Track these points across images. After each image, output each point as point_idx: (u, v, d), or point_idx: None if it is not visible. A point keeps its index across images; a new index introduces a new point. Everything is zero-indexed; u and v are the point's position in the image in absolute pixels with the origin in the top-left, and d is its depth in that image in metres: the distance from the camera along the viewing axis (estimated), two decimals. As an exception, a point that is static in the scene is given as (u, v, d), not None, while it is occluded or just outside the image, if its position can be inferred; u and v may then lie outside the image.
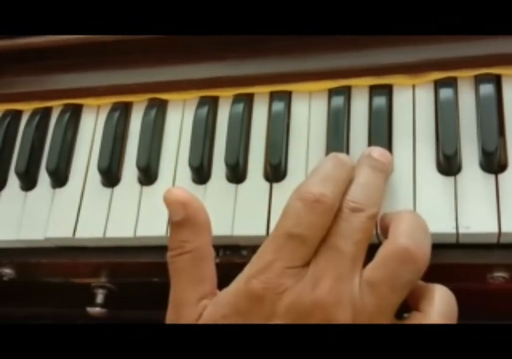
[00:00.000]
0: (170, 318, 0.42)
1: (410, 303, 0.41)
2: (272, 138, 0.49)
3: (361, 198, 0.41)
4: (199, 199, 0.42)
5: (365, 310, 0.38)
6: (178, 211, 0.41)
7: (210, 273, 0.42)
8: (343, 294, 0.38)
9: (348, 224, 0.40)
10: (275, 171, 0.48)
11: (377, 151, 0.44)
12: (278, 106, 0.51)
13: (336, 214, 0.41)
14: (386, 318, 0.39)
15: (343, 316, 0.38)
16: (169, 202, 0.42)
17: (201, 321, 0.40)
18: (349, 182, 0.42)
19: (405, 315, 0.46)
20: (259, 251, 0.41)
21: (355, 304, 0.38)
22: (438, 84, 0.48)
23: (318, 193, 0.40)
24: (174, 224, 0.42)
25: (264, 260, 0.40)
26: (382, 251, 0.40)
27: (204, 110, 0.52)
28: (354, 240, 0.40)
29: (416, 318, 0.40)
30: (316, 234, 0.40)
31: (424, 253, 0.39)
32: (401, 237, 0.40)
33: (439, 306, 0.40)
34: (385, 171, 0.44)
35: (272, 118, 0.50)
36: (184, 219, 0.41)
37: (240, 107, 0.51)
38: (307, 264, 0.40)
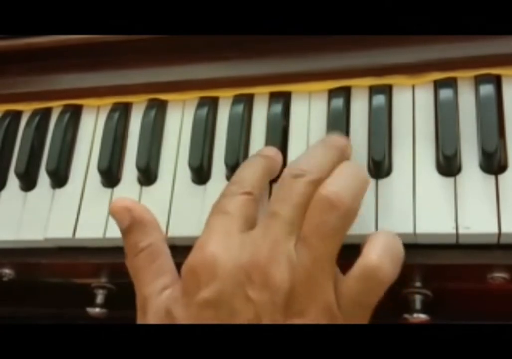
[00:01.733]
0: (139, 317, 0.43)
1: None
2: (270, 139, 0.49)
3: (302, 164, 0.42)
4: (143, 204, 0.45)
5: (300, 264, 0.39)
6: (124, 217, 0.44)
7: (169, 265, 0.44)
8: (279, 253, 0.40)
9: (287, 189, 0.41)
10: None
11: (335, 135, 0.46)
12: (277, 106, 0.51)
13: (279, 181, 0.43)
14: (323, 269, 0.40)
15: (279, 273, 0.39)
16: (114, 211, 0.45)
17: (166, 307, 0.41)
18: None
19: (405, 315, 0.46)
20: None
21: (291, 261, 0.39)
22: (438, 85, 0.48)
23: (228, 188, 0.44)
24: (124, 231, 0.44)
25: (200, 239, 0.42)
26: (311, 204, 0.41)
27: (204, 110, 0.52)
28: (291, 204, 0.41)
29: (357, 262, 0.40)
30: (239, 210, 0.43)
31: (345, 198, 0.40)
32: (323, 186, 0.41)
33: (377, 247, 0.40)
34: (337, 148, 0.44)
35: (270, 119, 0.50)
36: (131, 222, 0.44)
37: (240, 107, 0.51)
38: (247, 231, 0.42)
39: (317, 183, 0.41)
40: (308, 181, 0.41)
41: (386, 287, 0.40)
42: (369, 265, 0.39)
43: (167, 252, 0.44)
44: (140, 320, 0.43)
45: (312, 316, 0.39)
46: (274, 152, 0.48)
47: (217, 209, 0.43)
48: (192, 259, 0.41)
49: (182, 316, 0.40)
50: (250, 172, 0.45)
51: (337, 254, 0.40)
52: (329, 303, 0.39)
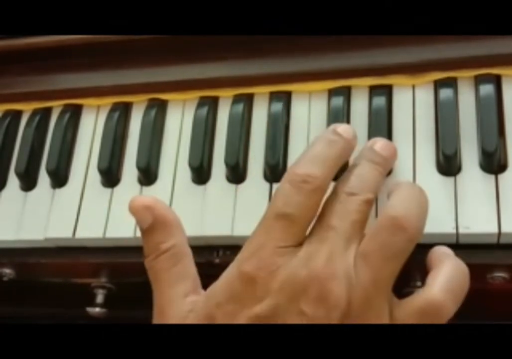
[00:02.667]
0: (156, 319, 0.41)
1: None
2: (270, 139, 0.49)
3: (356, 184, 0.41)
4: (164, 202, 0.43)
5: (359, 283, 0.38)
6: (145, 216, 0.42)
7: (191, 270, 0.42)
8: (337, 267, 0.38)
9: (343, 206, 0.40)
10: (273, 172, 0.48)
11: (379, 144, 0.44)
12: (277, 106, 0.51)
13: (331, 197, 0.41)
14: (382, 292, 0.39)
15: (338, 289, 0.38)
16: (134, 210, 0.42)
17: (192, 316, 0.40)
18: (345, 156, 0.43)
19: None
20: (251, 236, 0.41)
21: (349, 277, 0.38)
22: (438, 84, 0.48)
23: (304, 173, 0.40)
24: (145, 231, 0.42)
25: (256, 242, 0.40)
26: (375, 223, 0.40)
27: (204, 110, 0.52)
28: (349, 220, 0.40)
29: (418, 291, 0.39)
30: (305, 213, 0.40)
31: (414, 221, 0.39)
32: (392, 207, 0.40)
33: (443, 280, 0.39)
34: (383, 165, 0.43)
35: (270, 119, 0.50)
36: (153, 222, 0.42)
37: (240, 107, 0.51)
38: (300, 244, 0.40)
39: (371, 202, 0.41)
40: (364, 199, 0.40)
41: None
42: (433, 302, 0.38)
43: (189, 255, 0.42)
44: (157, 322, 0.41)
45: None
46: (351, 134, 0.44)
47: (282, 210, 0.40)
48: (249, 264, 0.39)
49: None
50: (321, 161, 0.41)
51: (397, 275, 0.39)
52: None
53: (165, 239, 0.42)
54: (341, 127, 0.44)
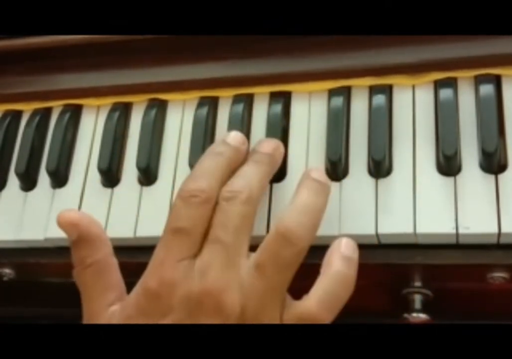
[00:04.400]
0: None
1: None
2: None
3: (234, 185, 0.43)
4: (89, 215, 0.45)
5: (254, 292, 0.40)
6: (70, 231, 0.44)
7: (115, 281, 0.44)
8: (228, 279, 0.41)
9: (224, 214, 0.42)
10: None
11: (261, 143, 0.47)
12: (276, 107, 0.51)
13: (216, 208, 0.43)
14: (276, 299, 0.41)
15: (231, 300, 0.40)
16: (61, 225, 0.44)
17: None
18: (234, 164, 0.45)
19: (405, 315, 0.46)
20: (154, 252, 0.43)
21: (243, 287, 0.40)
22: (438, 85, 0.48)
23: (193, 189, 0.43)
24: (72, 243, 0.44)
25: (157, 258, 0.42)
26: (268, 234, 0.42)
27: (204, 110, 0.52)
28: (232, 229, 0.42)
29: (303, 298, 0.41)
30: (197, 225, 0.42)
31: (303, 235, 0.41)
32: (284, 220, 0.42)
33: (321, 292, 0.41)
34: (265, 161, 0.45)
35: (270, 119, 0.50)
36: (77, 237, 0.44)
37: (240, 107, 0.51)
38: (196, 256, 0.42)
39: (251, 199, 0.42)
40: (241, 201, 0.42)
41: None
42: (309, 313, 0.41)
43: (115, 266, 0.44)
44: None
45: None
46: (239, 141, 0.47)
47: (175, 224, 0.43)
48: (152, 280, 0.42)
49: None
50: (207, 174, 0.44)
51: (289, 283, 0.41)
52: None
53: (89, 253, 0.44)
54: (230, 136, 0.47)
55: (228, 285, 0.40)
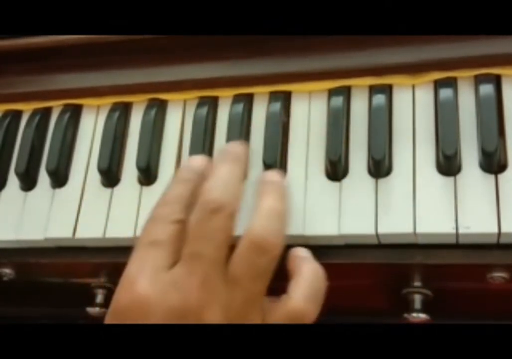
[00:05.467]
0: None
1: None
2: (268, 139, 0.49)
3: (217, 195, 0.42)
4: None
5: (233, 305, 0.40)
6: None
7: None
8: (210, 295, 0.40)
9: (207, 227, 0.41)
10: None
11: (226, 145, 0.48)
12: (276, 106, 0.51)
13: (195, 214, 0.42)
14: (256, 306, 0.41)
15: (213, 317, 0.40)
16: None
17: None
18: (198, 187, 0.44)
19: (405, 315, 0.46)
20: (125, 269, 0.42)
21: (222, 299, 0.40)
22: (438, 84, 0.48)
23: (166, 212, 0.43)
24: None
25: (129, 273, 0.42)
26: (240, 244, 0.41)
27: (204, 110, 0.52)
28: (214, 243, 0.41)
29: (283, 302, 0.41)
30: (172, 236, 0.42)
31: (274, 241, 0.41)
32: (253, 229, 0.41)
33: (303, 288, 0.42)
34: (240, 163, 0.45)
35: (269, 119, 0.50)
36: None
37: (240, 107, 0.51)
38: (172, 269, 0.41)
39: (235, 212, 0.42)
40: (227, 215, 0.41)
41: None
42: (296, 311, 0.41)
43: None
44: None
45: None
46: (202, 165, 0.46)
47: (149, 238, 0.43)
48: (123, 298, 0.41)
49: None
50: (182, 189, 0.44)
51: (266, 290, 0.41)
52: None
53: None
54: (194, 162, 0.46)
55: (210, 300, 0.40)
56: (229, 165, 0.44)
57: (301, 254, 0.44)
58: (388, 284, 0.48)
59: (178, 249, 0.42)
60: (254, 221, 0.42)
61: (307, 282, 0.42)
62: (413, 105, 0.49)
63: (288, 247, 0.47)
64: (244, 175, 0.45)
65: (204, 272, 0.40)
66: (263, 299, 0.42)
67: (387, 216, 0.45)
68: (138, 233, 0.49)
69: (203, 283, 0.40)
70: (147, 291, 0.40)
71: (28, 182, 0.54)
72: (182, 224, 0.43)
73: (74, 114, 0.56)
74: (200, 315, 0.40)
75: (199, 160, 0.46)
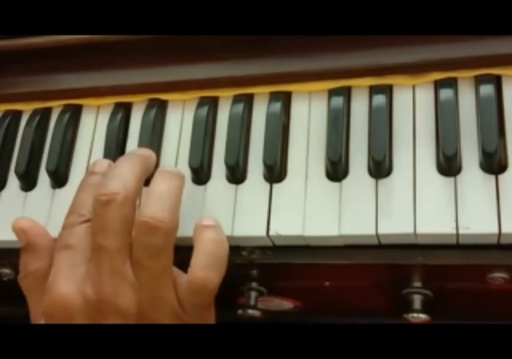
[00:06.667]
0: None
1: None
2: (268, 139, 0.49)
3: (109, 188, 0.44)
4: (42, 227, 0.48)
5: (142, 286, 0.42)
6: (20, 237, 0.47)
7: None
8: (119, 283, 0.42)
9: (102, 219, 0.43)
10: (271, 172, 0.48)
11: (139, 150, 0.50)
12: (276, 106, 0.51)
13: (93, 211, 0.44)
14: (165, 283, 0.43)
15: (126, 302, 0.42)
16: (13, 230, 0.48)
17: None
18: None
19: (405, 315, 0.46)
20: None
21: (132, 285, 0.42)
22: (438, 85, 0.48)
23: (71, 219, 0.46)
24: (22, 250, 0.47)
25: (49, 280, 0.44)
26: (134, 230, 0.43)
27: (204, 110, 0.52)
28: (112, 233, 0.43)
29: (188, 275, 0.43)
30: (80, 238, 0.45)
31: (164, 217, 0.43)
32: (141, 211, 0.43)
33: (201, 258, 0.43)
34: (141, 163, 0.47)
35: (269, 119, 0.50)
36: (25, 244, 0.47)
37: (240, 107, 0.51)
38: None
39: (129, 199, 0.43)
40: (119, 204, 0.43)
41: (216, 291, 0.43)
42: (197, 281, 0.43)
43: None
44: None
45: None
46: (104, 167, 0.48)
47: (60, 244, 0.45)
48: (45, 303, 0.44)
49: None
50: (86, 194, 0.46)
51: (171, 264, 0.43)
52: (175, 310, 0.43)
53: (32, 261, 0.47)
54: (97, 165, 0.49)
55: (119, 288, 0.42)
56: (127, 162, 0.46)
57: (204, 223, 0.45)
58: (388, 284, 0.48)
59: (88, 247, 0.44)
60: (142, 207, 0.44)
61: (205, 251, 0.43)
62: (413, 105, 0.49)
63: (288, 247, 0.47)
64: (147, 171, 0.47)
65: (110, 262, 0.42)
66: (174, 273, 0.44)
67: (387, 216, 0.45)
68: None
69: (111, 272, 0.42)
70: (65, 291, 0.43)
71: (28, 182, 0.54)
72: (88, 222, 0.45)
73: (74, 114, 0.56)
74: (115, 302, 0.42)
75: (103, 163, 0.49)
